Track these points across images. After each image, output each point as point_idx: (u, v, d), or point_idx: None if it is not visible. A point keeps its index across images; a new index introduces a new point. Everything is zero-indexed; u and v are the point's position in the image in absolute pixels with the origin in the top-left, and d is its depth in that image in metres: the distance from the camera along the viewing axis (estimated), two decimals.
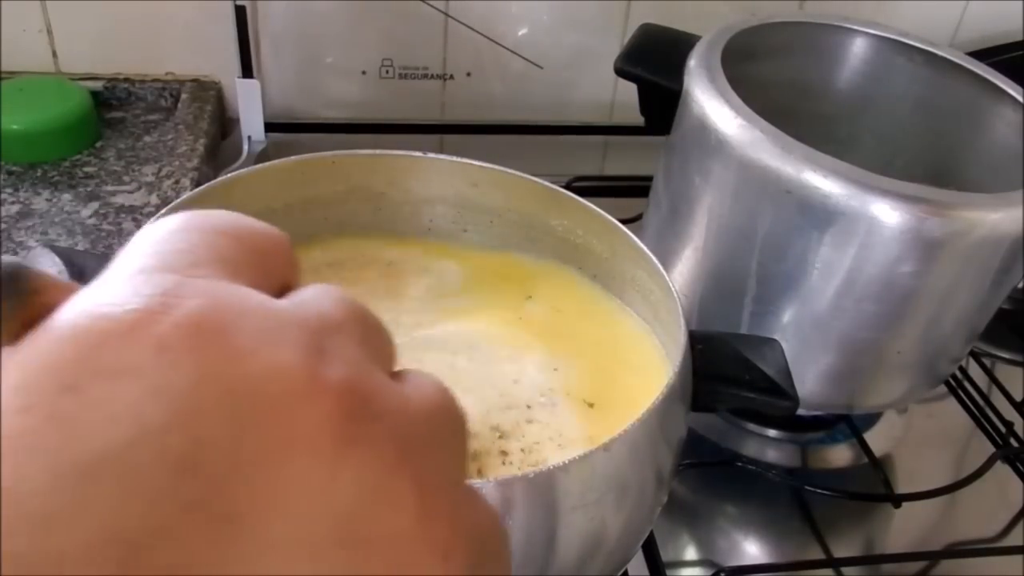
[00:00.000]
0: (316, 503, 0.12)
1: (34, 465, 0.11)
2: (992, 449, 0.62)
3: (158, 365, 0.12)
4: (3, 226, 0.63)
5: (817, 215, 0.48)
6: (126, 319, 0.12)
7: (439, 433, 0.15)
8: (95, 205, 0.66)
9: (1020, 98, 0.57)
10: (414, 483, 0.13)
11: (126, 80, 0.78)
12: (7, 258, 0.13)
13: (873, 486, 0.58)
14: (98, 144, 0.73)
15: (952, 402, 0.67)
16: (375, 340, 0.15)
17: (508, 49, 0.80)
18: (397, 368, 0.16)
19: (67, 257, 0.40)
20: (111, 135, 0.74)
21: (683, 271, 0.57)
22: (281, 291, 0.14)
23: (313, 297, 0.14)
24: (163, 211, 0.42)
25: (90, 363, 0.12)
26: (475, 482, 0.32)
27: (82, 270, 0.40)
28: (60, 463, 0.11)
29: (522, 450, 0.41)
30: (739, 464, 0.59)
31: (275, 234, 0.16)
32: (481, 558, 0.15)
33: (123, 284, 0.13)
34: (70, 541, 0.10)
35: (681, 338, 0.40)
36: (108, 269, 0.14)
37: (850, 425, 0.62)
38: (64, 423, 0.11)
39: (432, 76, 0.81)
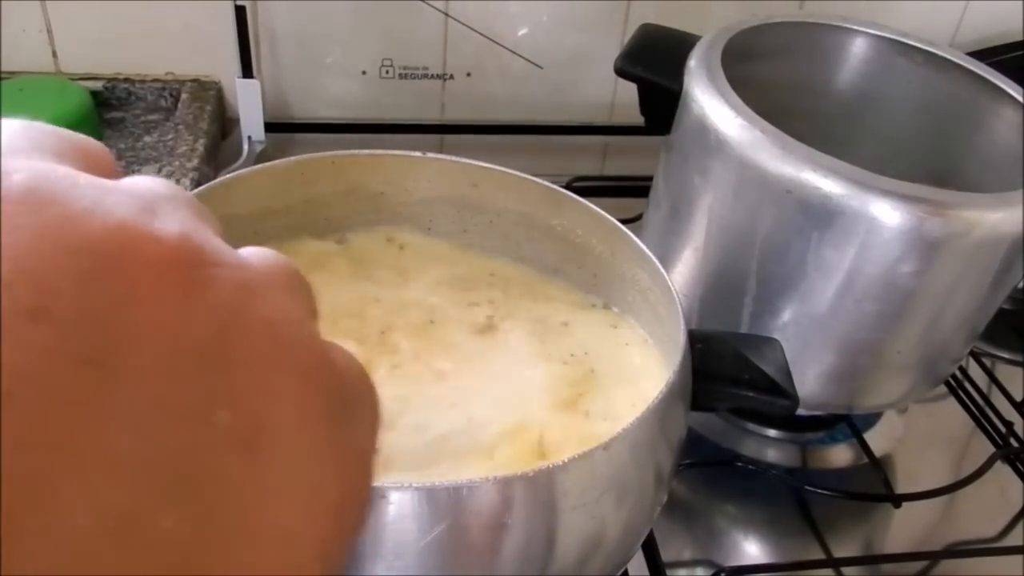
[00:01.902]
0: (170, 337, 0.13)
1: None
2: (992, 449, 0.62)
3: None
4: None
5: (817, 215, 0.48)
6: None
7: (282, 280, 0.16)
8: None
9: (1020, 98, 0.57)
10: (264, 318, 0.14)
11: (126, 80, 0.78)
12: None
13: (873, 486, 0.58)
14: None
15: (952, 402, 0.67)
16: (207, 216, 0.16)
17: (508, 49, 0.80)
18: None
19: None
20: (111, 135, 0.74)
21: (683, 271, 0.57)
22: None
23: (139, 179, 0.15)
24: None
25: None
26: (474, 481, 0.32)
27: None
28: None
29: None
30: (739, 464, 0.59)
31: (97, 143, 0.17)
32: (344, 392, 0.16)
33: None
34: None
35: (681, 338, 0.40)
36: None
37: (850, 425, 0.62)
38: None
39: (432, 76, 0.81)
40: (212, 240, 0.15)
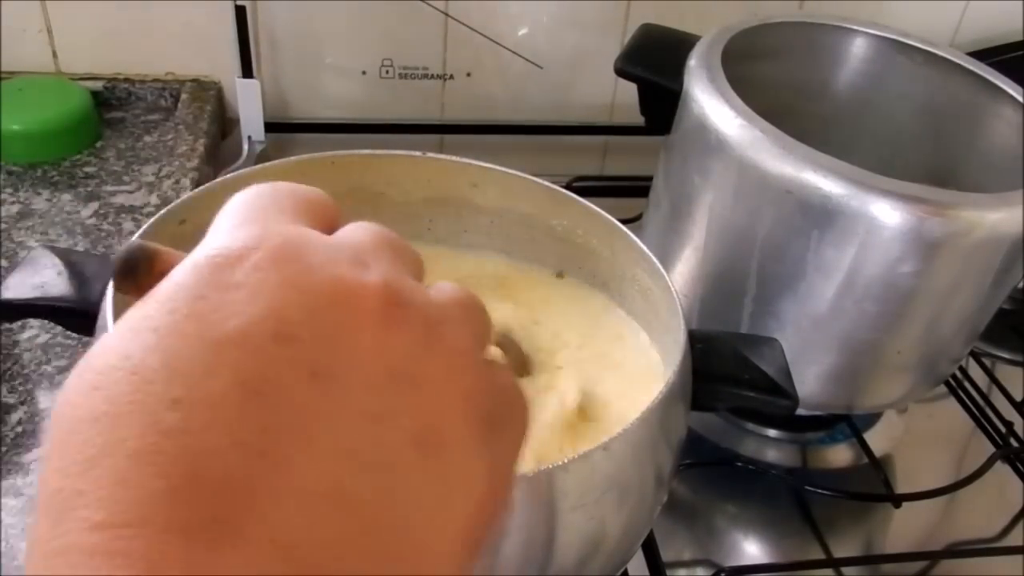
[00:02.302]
0: (372, 359, 0.17)
1: (182, 343, 0.16)
2: (992, 449, 0.62)
3: (254, 279, 0.17)
4: (3, 226, 0.63)
5: (817, 215, 0.48)
6: (232, 254, 0.18)
7: (459, 315, 0.20)
8: (95, 205, 0.66)
9: (1020, 98, 0.57)
10: (443, 345, 0.19)
11: (126, 80, 0.78)
12: (136, 241, 0.19)
13: (873, 486, 0.58)
14: (98, 144, 0.73)
15: (952, 402, 0.67)
16: (403, 257, 0.21)
17: (508, 49, 0.80)
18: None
19: (66, 258, 0.40)
20: (111, 135, 0.74)
21: (683, 271, 0.57)
22: (330, 230, 0.20)
23: (353, 230, 0.21)
24: (163, 211, 0.42)
25: (211, 281, 0.17)
26: None
27: (81, 271, 0.40)
28: (200, 342, 0.16)
29: None
30: (739, 464, 0.59)
31: (319, 191, 0.22)
32: (500, 409, 0.20)
33: (223, 236, 0.19)
34: (210, 388, 0.16)
35: (681, 338, 0.40)
36: (209, 231, 0.20)
37: (850, 425, 0.62)
38: (199, 318, 0.17)
39: (432, 76, 0.81)
40: (406, 283, 0.19)
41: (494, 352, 0.44)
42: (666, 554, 0.52)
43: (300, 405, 0.16)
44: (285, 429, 0.16)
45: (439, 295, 0.20)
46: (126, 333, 0.17)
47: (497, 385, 0.20)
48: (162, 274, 0.18)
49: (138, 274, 0.19)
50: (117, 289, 0.19)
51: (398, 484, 0.17)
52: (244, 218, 0.19)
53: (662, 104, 0.57)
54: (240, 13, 0.71)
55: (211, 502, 0.15)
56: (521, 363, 0.45)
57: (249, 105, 0.75)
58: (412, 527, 0.17)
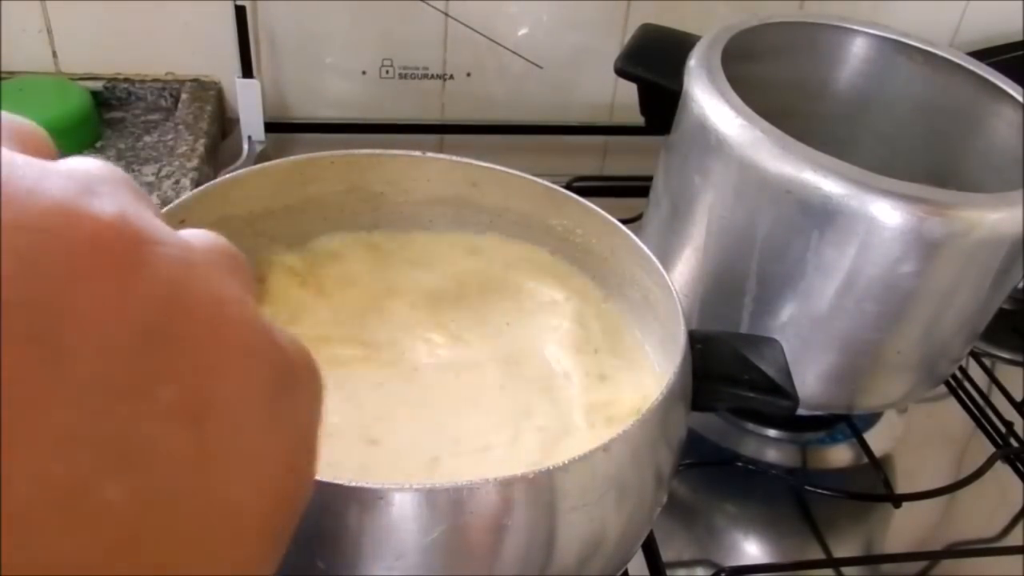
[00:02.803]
0: (113, 315, 0.13)
1: None
2: (992, 449, 0.62)
3: None
4: None
5: (817, 215, 0.48)
6: None
7: (224, 261, 0.16)
8: None
9: (1020, 98, 0.57)
10: (207, 293, 0.15)
11: (126, 80, 0.78)
12: None
13: (873, 486, 0.58)
14: (98, 144, 0.73)
15: (952, 402, 0.67)
16: (147, 199, 0.16)
17: (508, 49, 0.80)
18: None
19: None
20: (111, 135, 0.74)
21: (683, 271, 0.57)
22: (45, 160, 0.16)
23: (78, 159, 0.16)
24: (163, 211, 0.42)
25: None
26: (474, 482, 0.32)
27: None
28: None
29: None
30: (739, 464, 0.59)
31: (32, 124, 0.17)
32: (287, 370, 0.16)
33: None
34: None
35: (681, 338, 0.40)
36: None
37: (850, 425, 0.62)
38: None
39: (432, 76, 0.81)
40: (151, 219, 0.15)
41: None
42: (666, 554, 0.52)
43: (16, 383, 0.12)
44: None
45: (194, 236, 0.16)
46: None
47: (280, 342, 0.16)
48: None
49: None
50: None
51: (161, 476, 0.13)
52: None
53: (662, 104, 0.57)
54: (240, 13, 0.71)
55: None
56: None
57: (249, 105, 0.75)
58: (189, 527, 0.14)
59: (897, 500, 0.57)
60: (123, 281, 0.13)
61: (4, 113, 0.16)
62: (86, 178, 0.15)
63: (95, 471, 0.13)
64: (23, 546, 0.12)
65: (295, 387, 0.17)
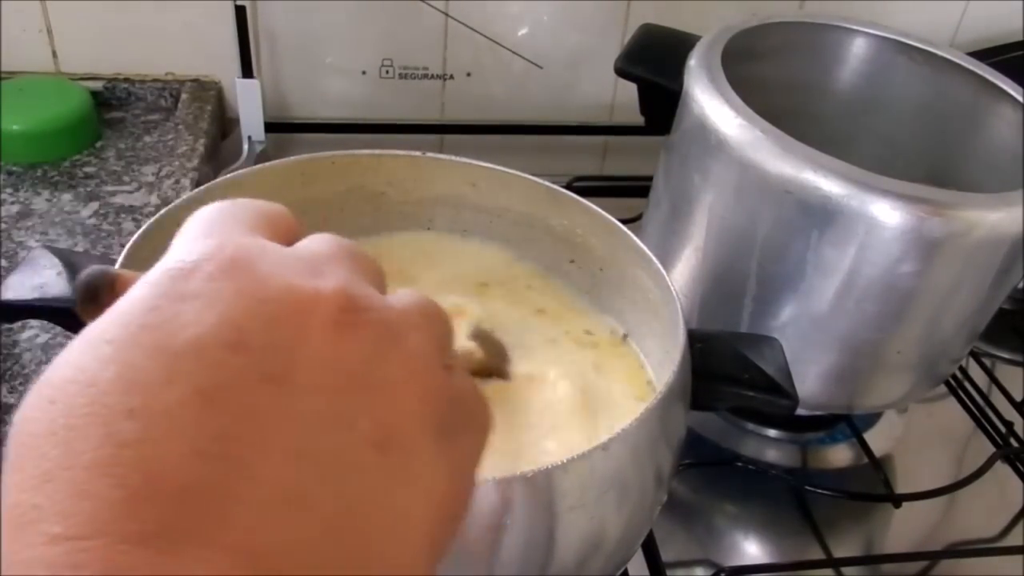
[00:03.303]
0: (329, 364, 0.18)
1: (137, 354, 0.16)
2: (992, 449, 0.62)
3: (209, 288, 0.17)
4: (3, 226, 0.63)
5: (817, 215, 0.48)
6: (186, 266, 0.18)
7: (419, 320, 0.20)
8: (95, 205, 0.66)
9: (1020, 98, 0.57)
10: (400, 349, 0.19)
11: (126, 80, 0.78)
12: (96, 267, 0.20)
13: (873, 486, 0.58)
14: (98, 144, 0.73)
15: (952, 402, 0.66)
16: (362, 266, 0.21)
17: (508, 49, 0.80)
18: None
19: (66, 258, 0.40)
20: (111, 135, 0.74)
21: (683, 271, 0.57)
22: (289, 243, 0.21)
23: (311, 240, 0.21)
24: (163, 211, 0.42)
25: (166, 292, 0.17)
26: None
27: (81, 271, 0.40)
28: (155, 352, 0.16)
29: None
30: (739, 464, 0.59)
31: (280, 206, 0.22)
32: (459, 413, 0.21)
33: (179, 250, 0.19)
34: (166, 397, 0.16)
35: (681, 337, 0.40)
36: (169, 248, 0.20)
37: (850, 425, 0.62)
38: (154, 328, 0.17)
39: (432, 76, 0.81)
40: (364, 290, 0.19)
41: (468, 345, 0.44)
42: (666, 554, 0.52)
43: (254, 410, 0.16)
44: (241, 434, 0.16)
45: (398, 301, 0.20)
46: (82, 347, 0.17)
47: (456, 389, 0.21)
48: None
49: (99, 298, 0.19)
50: (81, 314, 0.19)
51: (357, 486, 0.17)
52: (201, 232, 0.20)
53: (662, 104, 0.57)
54: (240, 13, 0.71)
55: (169, 510, 0.15)
56: (499, 354, 0.45)
57: (249, 105, 0.75)
58: (373, 528, 0.17)
59: (897, 500, 0.57)
60: (337, 339, 0.18)
61: (261, 204, 0.22)
62: (316, 259, 0.20)
63: (312, 478, 0.17)
64: (263, 531, 0.16)
65: (463, 426, 0.21)
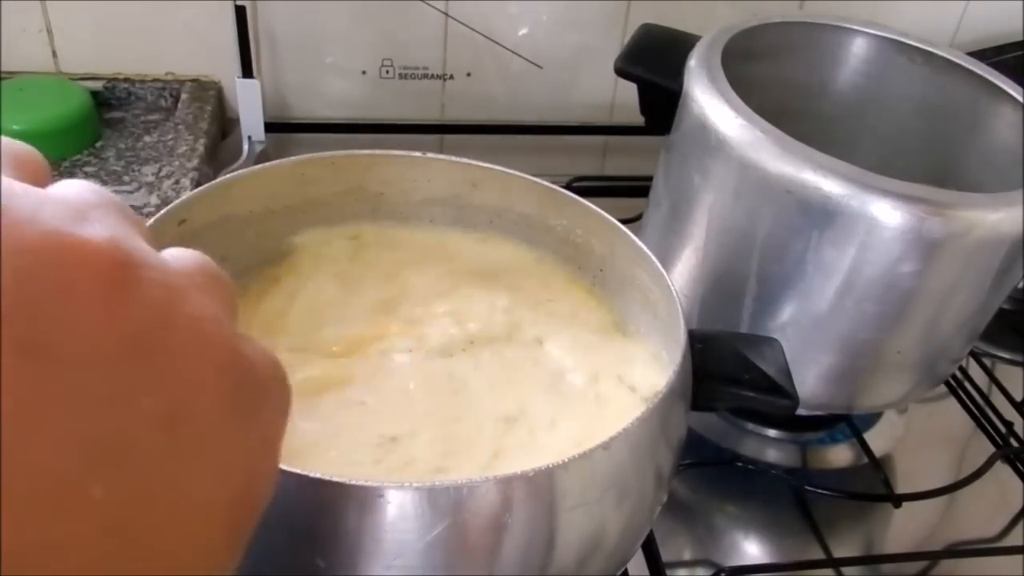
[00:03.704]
0: (100, 331, 0.15)
1: None
2: (992, 449, 0.62)
3: None
4: None
5: (817, 215, 0.48)
6: None
7: (203, 282, 0.18)
8: None
9: (1020, 98, 0.57)
10: (186, 312, 0.16)
11: (126, 80, 0.78)
12: None
13: (873, 486, 0.58)
14: (98, 144, 0.73)
15: (952, 402, 0.67)
16: (136, 221, 0.17)
17: (508, 49, 0.80)
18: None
19: None
20: (111, 135, 0.74)
21: (683, 271, 0.57)
22: (39, 186, 0.17)
23: (69, 184, 0.17)
24: (163, 211, 0.42)
25: None
26: (474, 480, 0.32)
27: None
28: None
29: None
30: (739, 464, 0.59)
31: (29, 148, 0.18)
32: (255, 383, 0.18)
33: None
34: None
35: (681, 337, 0.40)
36: None
37: (850, 425, 0.62)
38: None
39: (432, 76, 0.81)
40: (139, 244, 0.16)
41: None
42: (666, 554, 0.52)
43: (12, 389, 0.13)
44: None
45: (176, 259, 0.18)
46: None
47: (251, 357, 0.18)
48: None
49: None
50: None
51: (141, 473, 0.15)
52: None
53: (662, 104, 0.57)
54: (240, 13, 0.71)
55: None
56: None
57: (249, 105, 0.75)
58: (161, 521, 0.15)
59: (897, 500, 0.57)
60: (111, 299, 0.15)
61: (4, 139, 0.18)
62: (79, 204, 0.16)
63: (83, 468, 0.14)
64: (20, 530, 0.13)
65: (261, 399, 0.18)
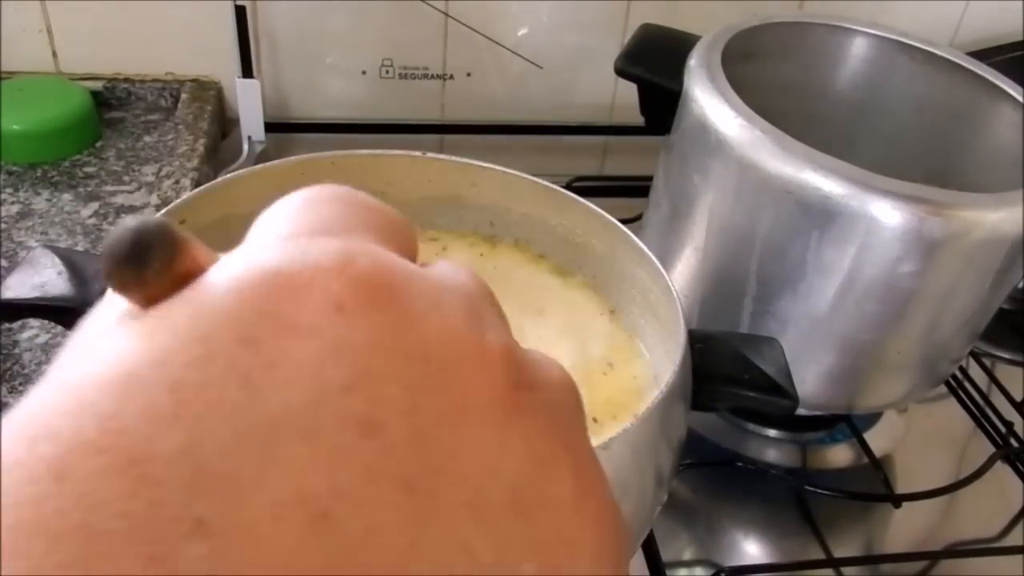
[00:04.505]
0: (488, 470, 0.12)
1: (217, 422, 0.10)
2: (992, 449, 0.62)
3: (336, 324, 0.11)
4: (3, 226, 0.63)
5: (817, 215, 0.48)
6: (302, 275, 0.12)
7: (573, 405, 0.14)
8: (95, 205, 0.66)
9: (1020, 98, 0.57)
10: (568, 453, 0.13)
11: (126, 80, 0.78)
12: (149, 217, 0.12)
13: (873, 486, 0.58)
14: (98, 144, 0.73)
15: (952, 402, 0.66)
16: (500, 312, 0.15)
17: (508, 49, 0.80)
18: None
19: (67, 258, 0.40)
20: (111, 135, 0.74)
21: (683, 271, 0.57)
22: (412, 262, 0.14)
23: (448, 268, 0.14)
24: (163, 211, 0.42)
25: (267, 316, 0.11)
26: None
27: (81, 271, 0.40)
28: (243, 421, 0.10)
29: None
30: (739, 464, 0.59)
31: (398, 215, 0.15)
32: (619, 527, 0.15)
33: (282, 245, 0.12)
34: (259, 503, 0.10)
35: (681, 337, 0.40)
36: (250, 237, 0.13)
37: (850, 425, 0.62)
38: (247, 376, 0.11)
39: (432, 76, 0.81)
40: (524, 352, 0.14)
41: None
42: (666, 554, 0.52)
43: (382, 534, 0.11)
44: (361, 569, 0.10)
45: (551, 367, 0.14)
46: (116, 378, 0.10)
47: (614, 500, 0.15)
48: (183, 279, 0.12)
49: (148, 264, 0.12)
50: (109, 278, 0.12)
51: None
52: (312, 224, 0.13)
53: (662, 104, 0.57)
54: (240, 13, 0.71)
55: None
56: None
57: (249, 105, 0.75)
58: None
59: (897, 500, 0.57)
60: (504, 431, 0.12)
61: (380, 205, 0.15)
62: (470, 296, 0.13)
63: None
64: None
65: (627, 554, 0.15)
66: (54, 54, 0.76)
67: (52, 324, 0.52)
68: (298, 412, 0.10)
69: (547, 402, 0.13)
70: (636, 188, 0.69)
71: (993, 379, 0.68)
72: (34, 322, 0.54)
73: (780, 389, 0.41)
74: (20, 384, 0.51)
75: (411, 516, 0.11)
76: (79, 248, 0.61)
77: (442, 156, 0.50)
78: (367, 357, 0.11)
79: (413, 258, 0.14)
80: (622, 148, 0.87)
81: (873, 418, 0.64)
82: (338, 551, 0.10)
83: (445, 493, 0.11)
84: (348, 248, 0.12)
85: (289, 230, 0.13)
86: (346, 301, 0.12)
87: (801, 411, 0.47)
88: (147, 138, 0.74)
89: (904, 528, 0.58)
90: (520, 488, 0.12)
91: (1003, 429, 0.64)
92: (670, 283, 0.43)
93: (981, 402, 0.66)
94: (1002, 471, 0.61)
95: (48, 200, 0.66)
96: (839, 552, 0.55)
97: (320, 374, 0.11)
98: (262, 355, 0.11)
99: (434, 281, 0.13)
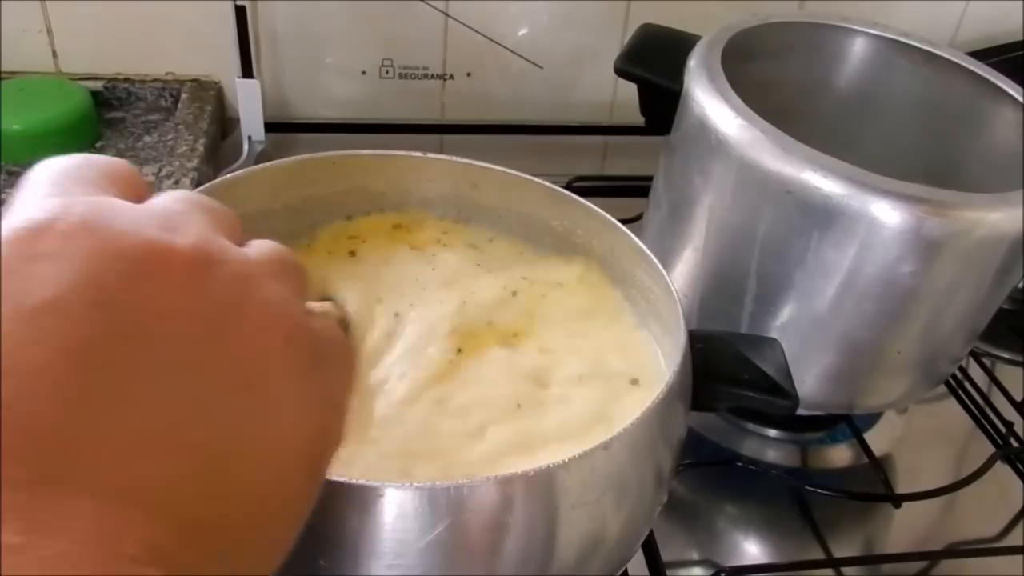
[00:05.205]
0: (188, 315, 0.19)
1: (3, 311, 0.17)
2: (992, 449, 0.62)
3: (64, 248, 0.18)
4: None
5: (817, 215, 0.48)
6: (37, 224, 0.18)
7: (276, 269, 0.22)
8: None
9: (1020, 98, 0.57)
10: (258, 296, 0.20)
11: (126, 80, 0.78)
12: None
13: (873, 486, 0.58)
14: (98, 144, 0.73)
15: (952, 402, 0.67)
16: (216, 218, 0.22)
17: (508, 49, 0.80)
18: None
19: None
20: (111, 135, 0.74)
21: (683, 271, 0.57)
22: (139, 200, 0.21)
23: (163, 197, 0.22)
24: None
25: (20, 253, 0.18)
26: (475, 480, 0.32)
27: None
28: (18, 313, 0.17)
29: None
30: (739, 464, 0.59)
31: (124, 164, 0.23)
32: (322, 350, 0.22)
33: (27, 207, 0.19)
34: (33, 356, 0.17)
35: (681, 337, 0.40)
36: (14, 202, 0.20)
37: (850, 425, 0.62)
38: (13, 291, 0.17)
39: (432, 76, 0.81)
40: (220, 243, 0.21)
41: (324, 305, 0.44)
42: (666, 554, 0.52)
43: (118, 363, 0.17)
44: (106, 387, 0.17)
45: (254, 251, 0.22)
46: None
47: (316, 329, 0.23)
48: None
49: None
50: None
51: (225, 425, 0.19)
52: (47, 190, 0.20)
53: (662, 104, 0.57)
54: (240, 13, 0.71)
55: (45, 460, 0.16)
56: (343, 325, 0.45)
57: (249, 105, 0.75)
58: (246, 461, 0.19)
59: (897, 500, 0.57)
60: (194, 291, 0.19)
61: (105, 161, 0.22)
62: (168, 214, 0.20)
63: (185, 417, 0.18)
64: (136, 464, 0.17)
65: (325, 364, 0.22)
66: (54, 54, 0.76)
67: None
68: (51, 300, 0.17)
69: (234, 270, 0.20)
70: (636, 188, 0.69)
71: (993, 379, 0.68)
72: None
73: (780, 389, 0.41)
74: None
75: (138, 349, 0.18)
76: None
77: (442, 156, 0.50)
78: (90, 262, 0.18)
79: (135, 193, 0.21)
80: (622, 148, 0.87)
81: (873, 418, 0.65)
82: (92, 377, 0.17)
83: (158, 332, 0.18)
84: (68, 200, 0.19)
85: (33, 196, 0.20)
86: (70, 232, 0.18)
87: (801, 411, 0.47)
88: (147, 138, 0.74)
89: (904, 528, 0.58)
90: (215, 321, 0.19)
91: (1003, 429, 0.64)
92: (670, 283, 0.43)
93: (981, 402, 0.66)
94: (1002, 471, 0.61)
95: None
96: (839, 552, 0.55)
97: (61, 277, 0.17)
98: (21, 277, 0.17)
99: (135, 210, 0.20)
